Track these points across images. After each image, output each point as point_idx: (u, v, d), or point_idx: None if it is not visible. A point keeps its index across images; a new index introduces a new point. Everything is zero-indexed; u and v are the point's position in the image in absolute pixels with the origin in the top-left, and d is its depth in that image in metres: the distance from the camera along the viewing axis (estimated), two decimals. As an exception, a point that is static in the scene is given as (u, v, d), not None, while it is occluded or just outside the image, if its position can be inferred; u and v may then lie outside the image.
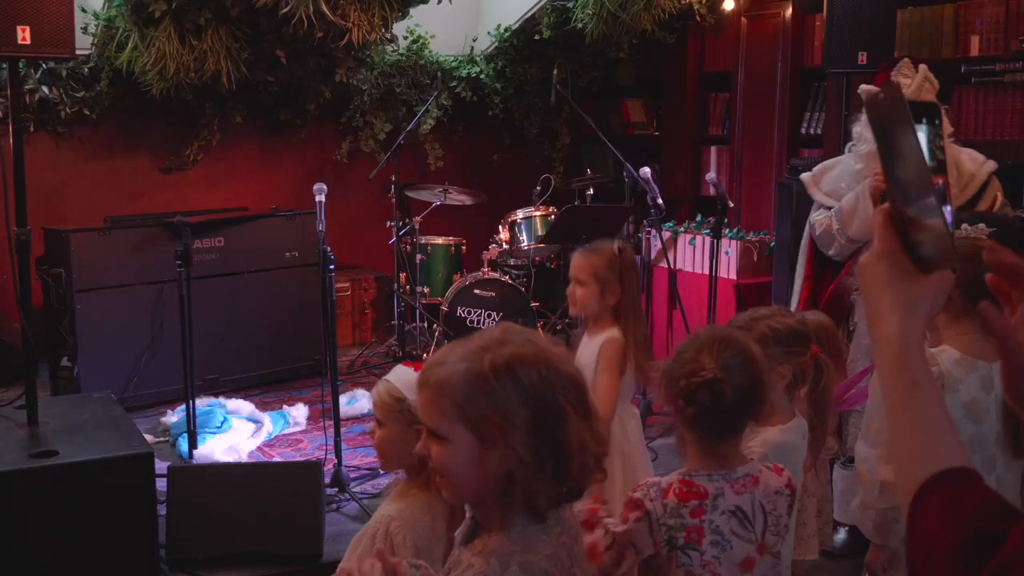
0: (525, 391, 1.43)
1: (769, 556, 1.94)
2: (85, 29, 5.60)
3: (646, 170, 5.22)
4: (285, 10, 5.30)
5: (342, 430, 4.10)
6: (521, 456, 1.42)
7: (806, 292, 3.84)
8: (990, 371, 2.24)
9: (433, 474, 1.59)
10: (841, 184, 3.64)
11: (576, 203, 6.17)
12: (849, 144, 3.73)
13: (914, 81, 3.48)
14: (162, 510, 3.40)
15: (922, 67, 3.50)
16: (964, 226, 2.57)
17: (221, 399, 4.85)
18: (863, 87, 3.72)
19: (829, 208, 3.67)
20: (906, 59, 3.57)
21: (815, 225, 3.70)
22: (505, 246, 5.86)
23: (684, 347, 1.94)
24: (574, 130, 7.58)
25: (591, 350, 3.00)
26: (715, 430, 1.90)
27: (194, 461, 4.12)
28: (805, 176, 3.85)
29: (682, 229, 5.85)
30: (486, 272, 5.70)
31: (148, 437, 3.96)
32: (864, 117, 3.62)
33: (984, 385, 2.26)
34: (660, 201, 5.23)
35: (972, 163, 3.52)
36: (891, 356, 0.96)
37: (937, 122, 0.92)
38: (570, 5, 6.39)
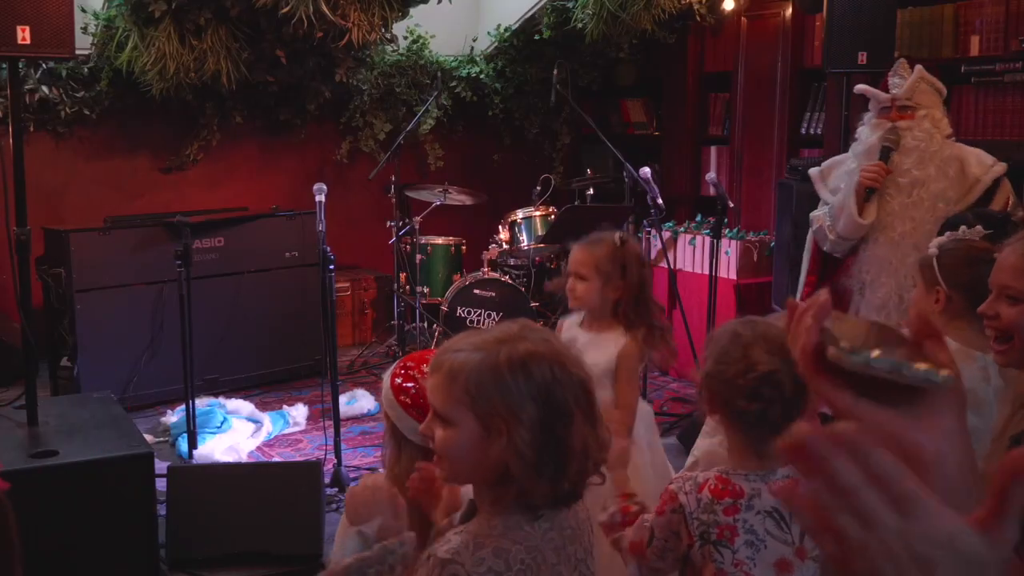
0: (536, 388, 1.45)
1: (811, 561, 1.93)
2: (85, 29, 5.60)
3: (646, 170, 5.21)
4: (285, 10, 5.30)
5: (342, 430, 4.10)
6: (522, 452, 1.43)
7: (808, 290, 3.85)
8: (987, 363, 2.25)
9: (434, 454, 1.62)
10: (840, 183, 3.66)
11: (576, 203, 6.17)
12: (853, 143, 3.74)
13: (907, 81, 3.49)
14: (162, 510, 3.40)
15: (917, 67, 3.51)
16: (962, 228, 2.58)
17: (221, 399, 4.85)
18: (860, 86, 3.73)
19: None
20: (902, 59, 3.58)
21: (813, 221, 3.73)
22: (505, 246, 5.86)
23: (725, 348, 1.90)
24: (574, 130, 7.58)
25: (599, 351, 2.89)
26: (770, 427, 1.88)
27: (194, 461, 4.12)
28: (813, 171, 3.86)
29: (682, 229, 5.85)
30: (486, 272, 5.70)
31: (148, 437, 3.96)
32: (868, 116, 3.63)
33: (983, 376, 2.27)
34: (660, 201, 5.23)
35: (978, 166, 3.49)
36: None
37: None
38: (570, 5, 6.39)
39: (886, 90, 3.56)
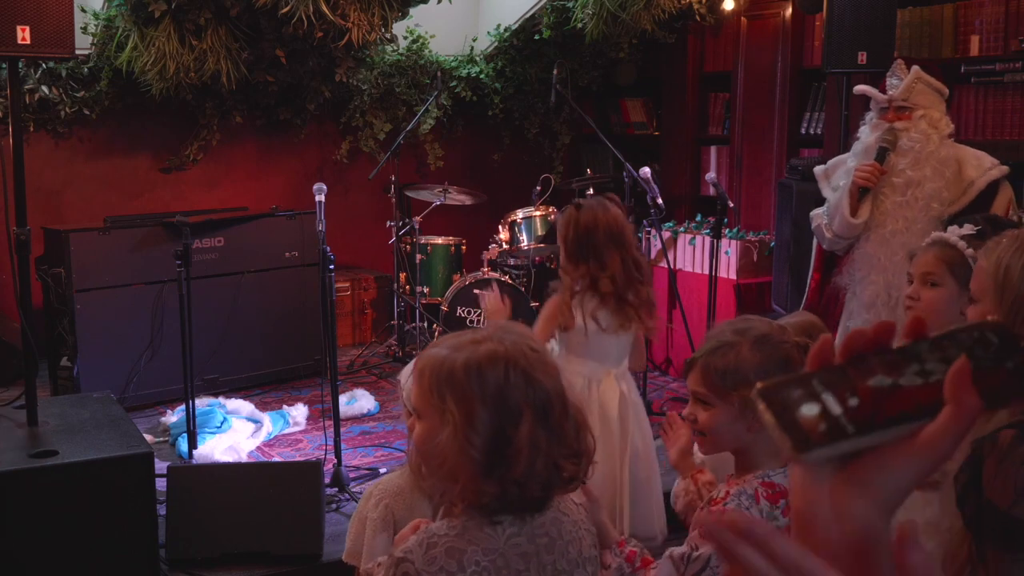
0: (487, 391, 1.47)
1: None
2: (85, 29, 5.60)
3: (646, 170, 5.22)
4: (285, 10, 5.30)
5: (342, 430, 4.10)
6: (465, 449, 1.46)
7: (814, 285, 3.88)
8: None
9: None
10: (840, 181, 3.67)
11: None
12: (855, 143, 3.74)
13: (904, 82, 3.48)
14: (162, 510, 3.40)
15: (914, 68, 3.50)
16: (951, 227, 2.56)
17: (221, 399, 4.85)
18: (859, 87, 3.73)
19: None
20: (899, 60, 3.58)
21: (812, 219, 3.74)
22: (505, 246, 5.86)
23: (762, 337, 1.87)
24: (574, 130, 7.58)
25: None
26: None
27: (194, 461, 4.12)
28: (818, 169, 3.87)
29: (682, 229, 5.85)
30: (486, 272, 5.70)
31: (148, 437, 3.96)
32: (870, 116, 3.63)
33: None
34: (660, 201, 5.23)
35: (975, 168, 3.46)
36: None
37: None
38: (570, 5, 6.39)
39: (885, 91, 3.56)
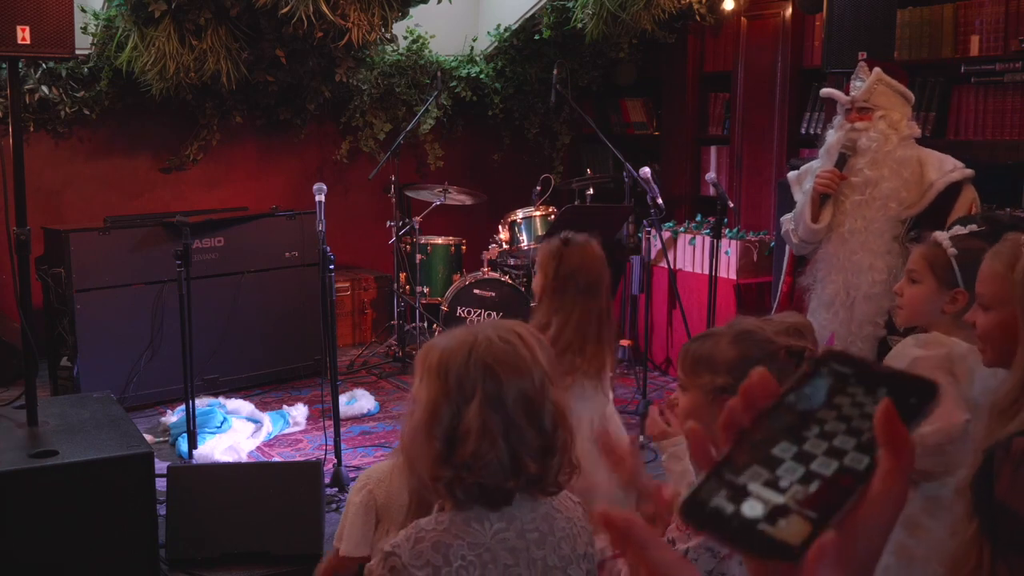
0: (448, 377, 1.52)
1: None
2: (85, 29, 5.60)
3: (646, 170, 5.22)
4: (285, 10, 5.30)
5: (342, 430, 4.10)
6: (430, 438, 1.50)
7: (786, 289, 3.91)
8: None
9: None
10: (808, 184, 3.70)
11: (576, 203, 6.17)
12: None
13: (865, 84, 3.50)
14: (162, 510, 3.40)
15: (876, 70, 3.52)
16: (956, 227, 2.57)
17: (221, 399, 4.85)
18: (824, 90, 3.77)
19: None
20: (862, 62, 3.60)
21: (781, 224, 3.78)
22: (505, 246, 5.86)
23: (744, 333, 1.86)
24: (574, 130, 7.58)
25: None
26: None
27: (194, 461, 4.12)
28: (791, 175, 3.91)
29: (682, 229, 5.85)
30: (486, 272, 5.70)
31: (148, 437, 3.96)
32: (837, 118, 3.65)
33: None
34: (660, 201, 5.23)
35: (936, 171, 3.46)
36: None
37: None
38: (570, 5, 6.39)
39: (849, 93, 3.59)
